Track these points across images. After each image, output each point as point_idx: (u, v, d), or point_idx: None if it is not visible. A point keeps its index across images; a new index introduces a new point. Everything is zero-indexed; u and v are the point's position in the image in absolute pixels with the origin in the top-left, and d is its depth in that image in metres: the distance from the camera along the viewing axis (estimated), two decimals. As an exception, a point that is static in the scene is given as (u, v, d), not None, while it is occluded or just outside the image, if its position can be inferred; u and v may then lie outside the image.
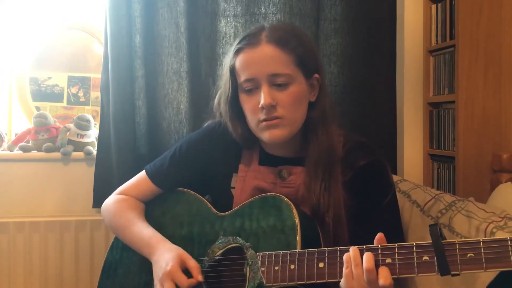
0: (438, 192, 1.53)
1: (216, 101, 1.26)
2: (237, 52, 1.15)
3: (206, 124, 1.34)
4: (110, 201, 1.32)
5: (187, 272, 1.09)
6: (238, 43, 1.16)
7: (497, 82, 1.80)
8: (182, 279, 1.07)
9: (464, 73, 1.79)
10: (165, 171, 1.30)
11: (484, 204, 1.42)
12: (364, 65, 2.05)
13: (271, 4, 1.99)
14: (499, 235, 1.18)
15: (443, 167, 1.93)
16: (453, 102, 1.83)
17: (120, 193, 1.33)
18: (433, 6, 1.98)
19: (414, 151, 2.04)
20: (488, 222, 1.24)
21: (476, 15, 1.79)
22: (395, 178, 1.69)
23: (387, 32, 2.08)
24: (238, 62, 1.15)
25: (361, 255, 0.92)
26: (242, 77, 1.14)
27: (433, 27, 1.97)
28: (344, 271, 0.93)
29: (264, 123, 1.12)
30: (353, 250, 0.93)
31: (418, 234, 1.45)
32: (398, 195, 1.58)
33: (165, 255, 1.11)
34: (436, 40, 1.96)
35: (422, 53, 2.03)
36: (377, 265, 0.90)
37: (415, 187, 1.59)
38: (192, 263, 1.10)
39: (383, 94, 2.08)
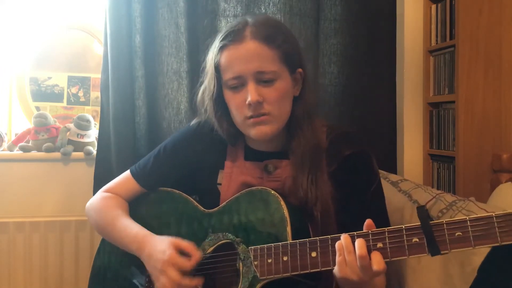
0: (439, 192, 1.53)
1: (199, 97, 1.25)
2: (222, 49, 1.13)
3: (189, 124, 1.33)
4: (95, 199, 1.31)
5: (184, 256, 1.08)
6: (222, 39, 1.13)
7: (497, 82, 1.80)
8: (184, 262, 1.06)
9: (464, 73, 1.79)
10: (148, 171, 1.29)
11: (484, 204, 1.42)
12: (364, 65, 2.04)
13: (271, 4, 1.99)
14: (500, 234, 1.18)
15: (443, 167, 1.93)
16: (453, 102, 1.83)
17: (106, 191, 1.32)
18: (433, 6, 1.98)
19: (414, 151, 2.04)
20: (489, 222, 1.23)
21: (476, 15, 1.79)
22: (395, 178, 1.69)
23: (387, 32, 2.08)
24: (223, 59, 1.13)
25: (353, 242, 0.93)
26: (227, 75, 1.13)
27: (433, 27, 1.97)
28: (337, 258, 0.94)
29: (251, 119, 1.12)
30: (344, 237, 0.94)
31: (419, 234, 1.45)
32: (399, 194, 1.58)
33: (158, 247, 1.10)
34: (436, 40, 1.96)
35: (422, 53, 2.03)
36: (369, 250, 0.91)
37: (415, 187, 1.59)
38: (186, 244, 1.09)
39: (383, 94, 2.08)
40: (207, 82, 1.20)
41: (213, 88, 1.17)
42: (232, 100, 1.14)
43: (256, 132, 1.13)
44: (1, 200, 1.97)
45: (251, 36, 1.11)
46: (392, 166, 2.04)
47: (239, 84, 1.12)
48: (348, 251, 0.92)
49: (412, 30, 2.02)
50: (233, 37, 1.12)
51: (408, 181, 1.68)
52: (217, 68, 1.14)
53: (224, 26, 1.99)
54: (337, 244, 0.95)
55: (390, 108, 2.09)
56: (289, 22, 1.96)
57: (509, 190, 1.56)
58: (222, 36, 1.14)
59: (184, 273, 1.06)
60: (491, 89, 1.80)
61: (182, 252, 1.08)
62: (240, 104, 1.12)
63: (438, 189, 1.88)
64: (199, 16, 1.98)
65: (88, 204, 1.33)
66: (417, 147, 2.04)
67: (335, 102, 2.03)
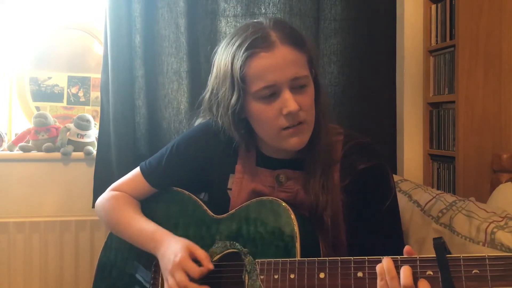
0: (439, 192, 1.53)
1: (206, 105, 1.18)
2: (250, 57, 1.03)
3: (198, 123, 1.29)
4: (104, 198, 1.28)
5: (195, 263, 1.06)
6: (248, 48, 1.03)
7: (497, 82, 1.80)
8: (193, 267, 1.04)
9: (464, 73, 1.79)
10: (161, 171, 1.25)
11: (484, 204, 1.42)
12: (364, 65, 2.05)
13: (271, 4, 2.00)
14: (500, 235, 1.18)
15: (443, 167, 1.93)
16: (453, 102, 1.83)
17: (114, 190, 1.29)
18: (433, 6, 1.98)
19: (414, 151, 2.04)
20: (489, 222, 1.24)
21: (476, 15, 1.79)
22: (395, 178, 1.69)
23: (387, 32, 2.08)
24: (252, 69, 1.03)
25: (362, 265, 0.91)
26: (258, 84, 1.04)
27: (433, 27, 1.97)
28: (379, 283, 0.89)
29: (289, 130, 1.06)
30: (387, 262, 0.89)
31: (419, 235, 1.45)
32: (399, 194, 1.58)
33: (172, 247, 1.09)
34: (436, 40, 1.96)
35: (422, 53, 2.03)
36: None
37: (415, 187, 1.59)
38: (201, 252, 1.07)
39: (383, 94, 2.08)
40: (223, 94, 1.09)
41: (236, 101, 1.06)
42: (264, 112, 1.06)
43: (294, 143, 1.07)
44: (1, 200, 1.97)
45: (280, 41, 1.04)
46: (392, 166, 2.05)
47: (272, 93, 1.04)
48: (391, 276, 0.87)
49: (412, 30, 2.02)
50: (261, 43, 1.03)
51: (408, 181, 1.68)
52: (244, 78, 1.05)
53: (224, 26, 2.00)
54: (378, 267, 0.90)
55: (390, 108, 2.09)
56: (289, 22, 1.96)
57: (509, 190, 1.56)
58: (244, 43, 1.04)
59: (192, 279, 1.04)
60: (491, 89, 1.80)
61: (195, 259, 1.06)
62: (274, 115, 1.05)
63: (438, 189, 1.88)
64: (199, 16, 1.98)
65: (97, 203, 1.30)
66: (417, 147, 2.04)
67: (335, 102, 2.03)
